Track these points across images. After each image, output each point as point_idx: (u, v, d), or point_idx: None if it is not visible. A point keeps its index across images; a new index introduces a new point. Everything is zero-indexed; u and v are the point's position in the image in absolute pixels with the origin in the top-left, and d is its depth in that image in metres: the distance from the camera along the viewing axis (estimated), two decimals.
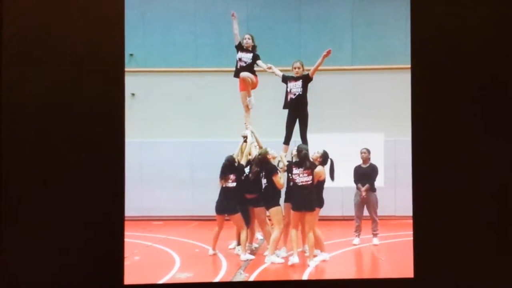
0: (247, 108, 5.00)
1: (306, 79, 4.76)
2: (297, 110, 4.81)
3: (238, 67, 4.99)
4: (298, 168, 4.51)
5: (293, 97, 4.79)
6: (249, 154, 4.82)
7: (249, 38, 4.95)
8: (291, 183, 4.56)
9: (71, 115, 3.39)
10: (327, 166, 4.63)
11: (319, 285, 4.00)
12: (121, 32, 3.46)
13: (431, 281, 3.57)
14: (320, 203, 4.55)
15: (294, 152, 4.66)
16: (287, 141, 4.86)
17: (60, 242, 3.35)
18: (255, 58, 4.95)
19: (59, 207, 3.35)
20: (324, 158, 4.62)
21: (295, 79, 4.79)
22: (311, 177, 4.49)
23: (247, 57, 4.95)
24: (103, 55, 3.44)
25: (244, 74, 4.93)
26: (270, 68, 4.89)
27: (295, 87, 4.78)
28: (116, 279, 3.43)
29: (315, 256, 4.46)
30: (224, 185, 4.65)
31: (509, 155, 3.61)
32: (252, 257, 4.59)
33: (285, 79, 4.84)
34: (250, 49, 4.96)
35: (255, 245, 4.92)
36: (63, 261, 3.35)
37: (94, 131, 3.41)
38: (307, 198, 4.47)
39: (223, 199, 4.65)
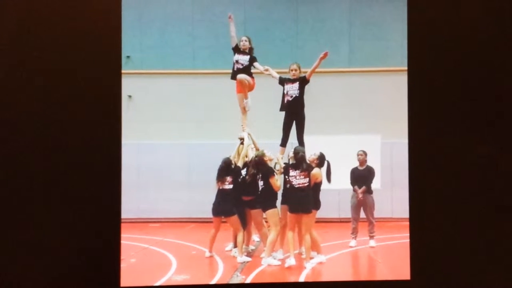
0: (244, 110, 5.00)
1: (303, 81, 4.75)
2: (294, 112, 4.80)
3: (235, 69, 4.97)
4: (295, 170, 4.51)
5: (290, 99, 4.78)
6: (246, 156, 4.82)
7: (246, 40, 4.94)
8: (288, 185, 4.56)
9: (67, 116, 3.39)
10: (324, 168, 4.63)
11: (315, 287, 4.00)
12: (118, 34, 3.46)
13: (428, 283, 3.58)
14: (316, 205, 4.54)
15: (291, 154, 4.66)
16: (283, 143, 4.85)
17: (57, 244, 3.35)
18: (252, 60, 4.94)
19: (55, 208, 3.35)
20: (321, 160, 4.61)
21: (292, 81, 4.78)
22: (307, 179, 4.48)
23: (244, 59, 4.94)
24: (100, 57, 3.44)
25: (241, 76, 4.92)
26: (267, 70, 4.89)
27: (292, 89, 4.77)
28: (112, 281, 3.43)
29: (311, 258, 4.46)
30: (221, 187, 4.64)
31: (506, 157, 3.62)
32: (249, 259, 4.59)
33: (282, 81, 4.83)
34: (247, 51, 4.95)
35: (251, 247, 4.92)
36: (59, 263, 3.35)
37: (91, 133, 3.40)
38: (304, 200, 4.47)
39: (220, 201, 4.64)
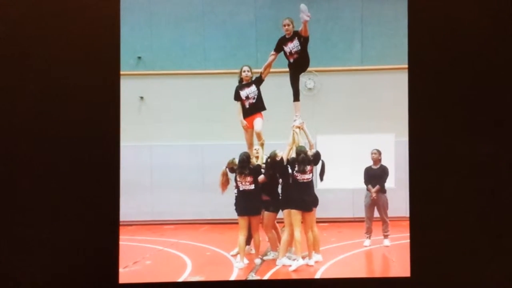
0: (250, 145, 4.78)
1: (300, 37, 4.60)
2: (301, 68, 4.69)
3: (247, 106, 4.75)
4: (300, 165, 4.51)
5: (297, 56, 4.63)
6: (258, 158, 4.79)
7: (248, 71, 4.74)
8: (291, 180, 4.55)
9: (66, 118, 3.43)
10: (318, 166, 4.63)
11: (314, 283, 4.04)
12: (117, 34, 3.47)
13: (427, 280, 3.59)
14: (315, 202, 4.56)
15: (293, 155, 4.63)
16: (296, 97, 4.73)
17: (56, 242, 3.39)
18: (258, 83, 4.74)
19: (53, 208, 3.39)
20: (316, 158, 4.61)
21: (290, 39, 4.63)
22: (311, 174, 4.50)
23: (252, 91, 4.73)
24: (98, 58, 3.45)
25: (258, 127, 4.70)
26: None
27: (294, 46, 4.62)
28: (111, 278, 3.46)
29: (303, 257, 4.48)
30: (241, 188, 4.57)
31: (507, 156, 3.60)
32: (268, 258, 4.59)
33: (280, 45, 4.67)
34: (249, 81, 4.74)
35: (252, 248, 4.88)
36: (58, 261, 3.40)
37: (90, 134, 3.43)
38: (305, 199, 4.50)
39: (243, 200, 4.58)
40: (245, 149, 4.76)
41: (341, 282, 3.85)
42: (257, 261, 4.54)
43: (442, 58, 3.62)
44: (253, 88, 4.75)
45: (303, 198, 4.50)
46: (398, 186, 5.08)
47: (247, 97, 4.75)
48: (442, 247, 3.58)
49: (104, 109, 3.45)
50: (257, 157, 4.72)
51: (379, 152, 5.08)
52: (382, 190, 5.04)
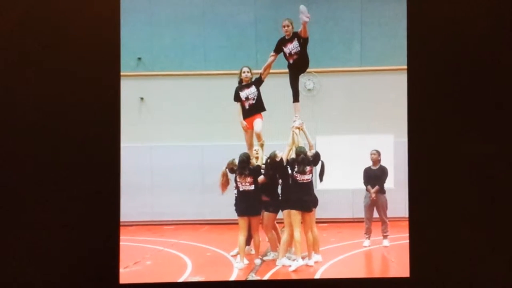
0: (250, 146, 4.79)
1: (299, 38, 4.62)
2: (301, 69, 4.71)
3: (247, 107, 4.77)
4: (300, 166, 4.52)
5: (296, 57, 4.64)
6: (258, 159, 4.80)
7: (248, 72, 4.75)
8: (291, 181, 4.56)
9: (67, 118, 3.44)
10: (318, 166, 4.64)
11: (314, 284, 4.05)
12: (117, 35, 3.48)
13: (426, 280, 3.60)
14: (315, 202, 4.58)
15: (293, 155, 4.65)
16: (296, 98, 4.74)
17: (56, 243, 3.40)
18: (258, 84, 4.76)
19: (54, 208, 3.40)
20: (315, 158, 4.62)
21: (289, 40, 4.65)
22: (311, 175, 4.52)
23: (252, 92, 4.74)
24: (98, 58, 3.46)
25: (258, 128, 4.71)
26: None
27: (294, 47, 4.64)
28: (111, 278, 3.46)
29: (303, 257, 4.49)
30: (241, 189, 4.58)
31: (506, 156, 3.61)
32: (268, 258, 4.60)
33: (279, 46, 4.68)
34: (249, 81, 4.76)
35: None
36: (58, 261, 3.40)
37: (90, 135, 3.44)
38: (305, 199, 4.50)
39: (243, 200, 4.59)
40: (245, 150, 4.77)
41: (341, 282, 3.86)
42: (257, 261, 4.56)
43: (441, 59, 3.63)
44: (252, 89, 4.76)
45: (303, 199, 4.52)
46: (397, 186, 5.08)
47: (247, 98, 4.76)
48: (441, 247, 3.60)
49: (104, 110, 3.46)
50: (257, 158, 4.73)
51: (379, 153, 5.09)
52: (382, 191, 5.05)
